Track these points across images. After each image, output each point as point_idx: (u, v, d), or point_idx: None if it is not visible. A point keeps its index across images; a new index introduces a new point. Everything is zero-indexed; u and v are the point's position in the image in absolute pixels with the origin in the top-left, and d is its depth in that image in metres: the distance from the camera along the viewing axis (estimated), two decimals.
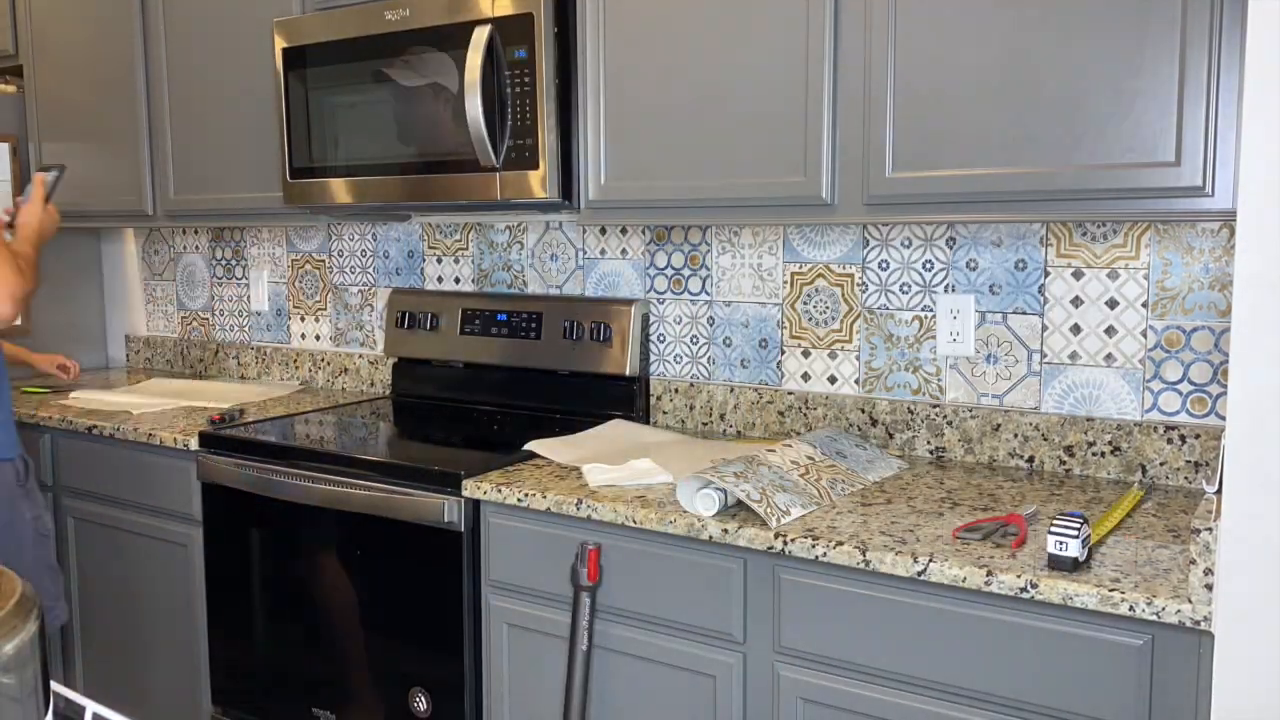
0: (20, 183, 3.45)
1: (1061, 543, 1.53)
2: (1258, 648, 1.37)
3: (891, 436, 2.31)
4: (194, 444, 2.56)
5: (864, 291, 2.34)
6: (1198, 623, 1.41)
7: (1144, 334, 2.05)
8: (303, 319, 3.34)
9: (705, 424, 2.55)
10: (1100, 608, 1.47)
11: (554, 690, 2.03)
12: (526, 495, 2.01)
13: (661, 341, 2.62)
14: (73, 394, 3.09)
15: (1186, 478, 2.01)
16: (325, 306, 3.28)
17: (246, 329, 3.48)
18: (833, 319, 2.38)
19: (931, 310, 2.26)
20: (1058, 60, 1.76)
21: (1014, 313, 2.17)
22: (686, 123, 2.13)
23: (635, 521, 1.87)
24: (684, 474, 2.08)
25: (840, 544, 1.67)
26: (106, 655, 2.92)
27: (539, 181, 2.25)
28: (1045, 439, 2.14)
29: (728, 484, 1.80)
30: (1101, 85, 1.73)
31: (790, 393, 2.43)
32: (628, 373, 2.57)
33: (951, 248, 2.23)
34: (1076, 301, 2.10)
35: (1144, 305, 2.04)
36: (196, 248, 3.59)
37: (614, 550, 1.92)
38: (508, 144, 2.28)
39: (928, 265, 2.26)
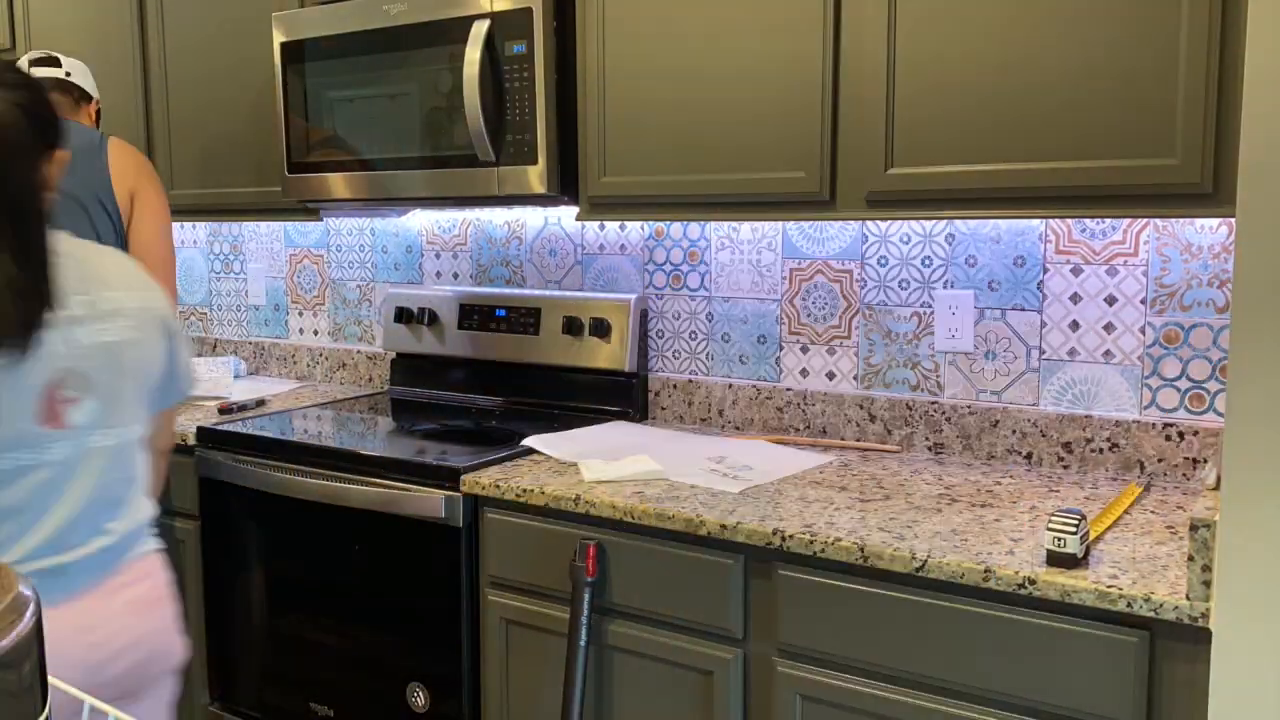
0: None
1: (1059, 539, 1.53)
2: (1256, 645, 1.37)
3: (890, 433, 2.31)
4: (192, 439, 2.56)
5: (863, 287, 2.34)
6: (1195, 619, 1.42)
7: (1142, 331, 2.05)
8: (300, 314, 3.33)
9: (704, 419, 2.55)
10: (1098, 604, 1.47)
11: (552, 686, 2.04)
12: (525, 491, 2.01)
13: (660, 337, 2.62)
14: None
15: (1184, 474, 2.02)
16: (324, 302, 3.28)
17: (244, 324, 3.48)
18: (831, 315, 2.38)
19: (930, 306, 2.26)
20: (1057, 57, 1.76)
21: (1013, 309, 2.17)
22: (685, 118, 2.13)
23: (633, 517, 1.87)
24: (680, 470, 2.08)
25: (838, 539, 1.67)
26: None
27: (537, 176, 2.25)
28: (1044, 435, 2.14)
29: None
30: (1101, 82, 1.73)
31: (789, 389, 2.43)
32: (626, 368, 2.57)
33: (950, 244, 2.23)
34: (1075, 298, 2.10)
35: (1143, 302, 2.04)
36: (194, 242, 3.59)
37: (612, 545, 1.92)
38: (506, 139, 2.28)
39: (926, 261, 2.26)
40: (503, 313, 2.76)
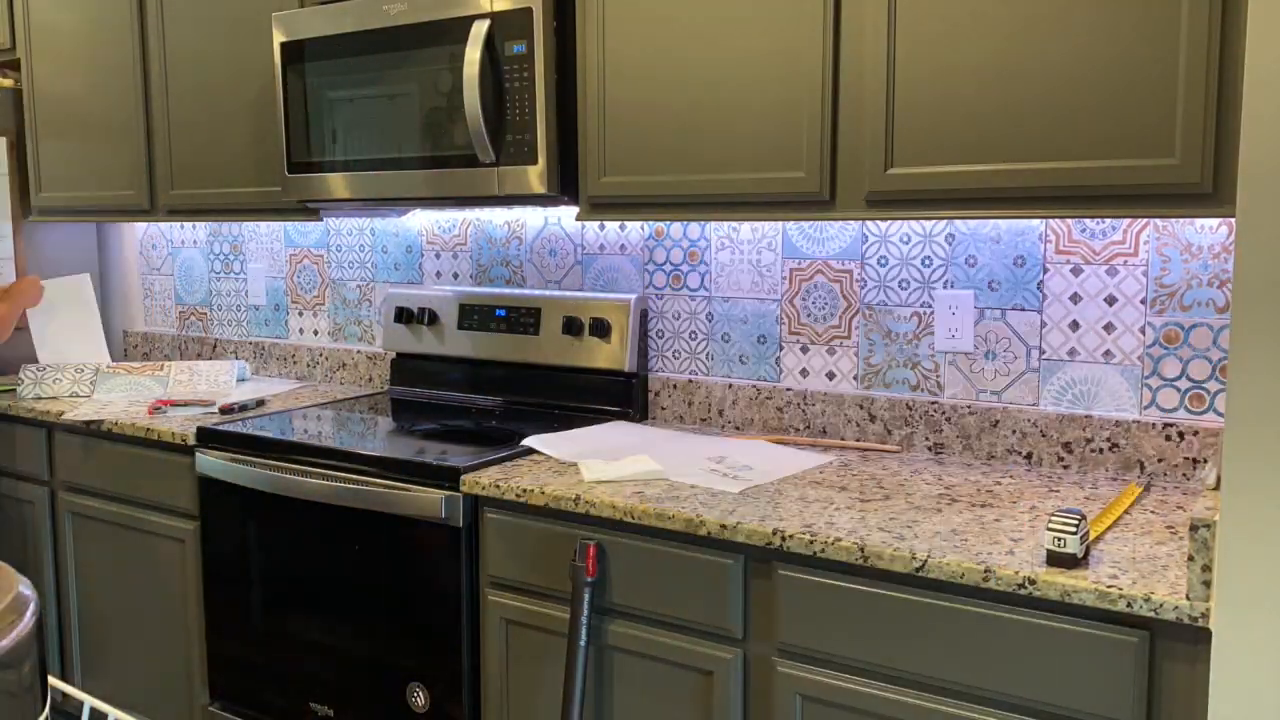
0: (18, 178, 3.45)
1: (1059, 539, 1.53)
2: (1256, 645, 1.37)
3: (890, 433, 2.31)
4: (191, 439, 2.56)
5: (863, 287, 2.34)
6: (1195, 619, 1.42)
7: (1142, 331, 2.05)
8: (300, 314, 3.33)
9: (704, 419, 2.55)
10: (1098, 604, 1.47)
11: (552, 686, 2.04)
12: (525, 491, 2.01)
13: (660, 337, 2.62)
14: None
15: (1184, 474, 2.02)
16: (324, 301, 3.28)
17: (244, 324, 3.48)
18: (831, 315, 2.38)
19: (930, 306, 2.26)
20: (1057, 57, 1.76)
21: (1013, 309, 2.17)
22: (685, 118, 2.13)
23: (633, 517, 1.87)
24: (680, 470, 2.08)
25: (838, 539, 1.67)
26: (104, 650, 2.92)
27: (537, 176, 2.25)
28: (1044, 435, 2.14)
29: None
30: (1101, 82, 1.73)
31: (789, 389, 2.43)
32: (626, 368, 2.57)
33: (950, 244, 2.23)
34: (1075, 298, 2.10)
35: (1143, 302, 2.04)
36: (194, 242, 3.59)
37: (612, 545, 1.92)
38: (506, 139, 2.28)
39: (926, 261, 2.26)
40: (503, 313, 2.76)
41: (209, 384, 3.10)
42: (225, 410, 2.75)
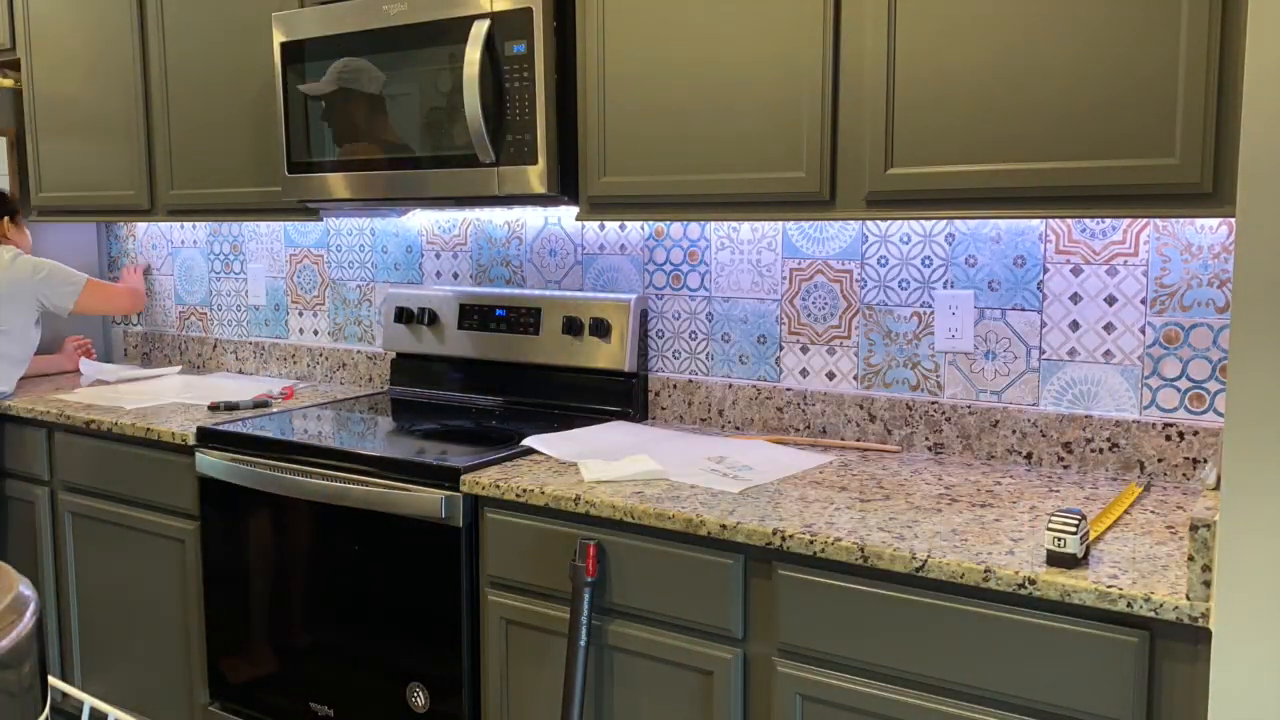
0: (18, 178, 3.45)
1: (1059, 539, 1.53)
2: (1256, 645, 1.37)
3: (890, 433, 2.31)
4: (192, 439, 2.56)
5: (863, 287, 2.34)
6: (1195, 619, 1.42)
7: (1142, 330, 2.05)
8: (300, 314, 3.33)
9: (704, 419, 2.55)
10: (1098, 604, 1.47)
11: (552, 685, 2.04)
12: (525, 491, 2.01)
13: (660, 337, 2.62)
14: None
15: (1184, 474, 2.02)
16: (324, 302, 3.28)
17: (244, 324, 3.48)
18: (831, 315, 2.38)
19: (930, 306, 2.26)
20: (1057, 57, 1.76)
21: (1013, 309, 2.17)
22: (685, 118, 2.13)
23: (633, 517, 1.87)
24: (680, 470, 2.08)
25: (838, 539, 1.67)
26: (104, 650, 2.92)
27: (537, 176, 2.25)
28: (1044, 435, 2.14)
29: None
30: (1101, 82, 1.73)
31: (789, 389, 2.43)
32: (626, 368, 2.57)
33: (950, 244, 2.23)
34: (1075, 298, 2.10)
35: (1143, 302, 2.04)
36: (194, 242, 3.59)
37: (612, 545, 1.92)
38: (506, 139, 2.28)
39: (926, 261, 2.26)
40: (503, 313, 2.76)
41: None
42: (226, 409, 2.75)
